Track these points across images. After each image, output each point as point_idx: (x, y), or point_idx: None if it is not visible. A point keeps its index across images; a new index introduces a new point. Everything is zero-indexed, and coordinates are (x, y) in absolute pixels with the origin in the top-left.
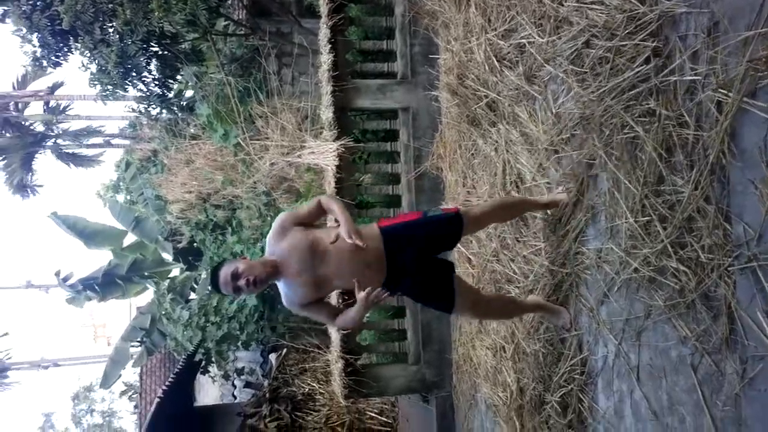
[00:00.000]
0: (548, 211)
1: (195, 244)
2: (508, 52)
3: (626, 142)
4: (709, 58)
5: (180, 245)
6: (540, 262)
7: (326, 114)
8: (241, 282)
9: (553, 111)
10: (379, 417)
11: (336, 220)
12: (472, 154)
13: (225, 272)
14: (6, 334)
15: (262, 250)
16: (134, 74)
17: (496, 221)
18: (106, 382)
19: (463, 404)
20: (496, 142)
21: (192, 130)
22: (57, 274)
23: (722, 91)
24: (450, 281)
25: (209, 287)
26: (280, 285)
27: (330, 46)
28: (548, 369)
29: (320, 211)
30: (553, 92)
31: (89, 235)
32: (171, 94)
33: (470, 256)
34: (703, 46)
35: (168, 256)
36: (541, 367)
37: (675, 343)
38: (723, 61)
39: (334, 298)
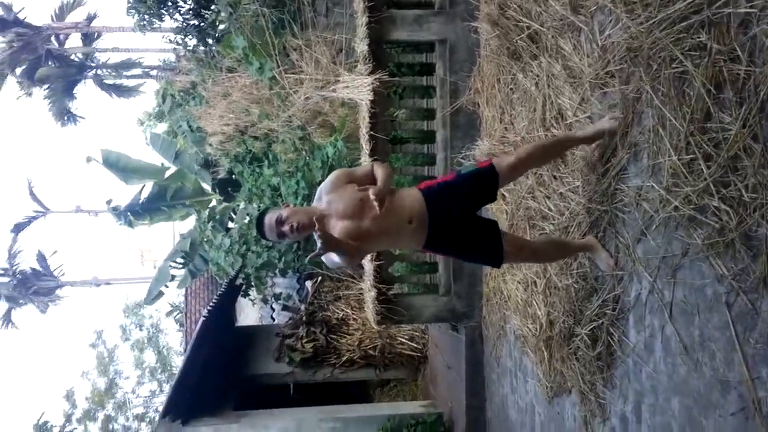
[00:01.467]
0: (592, 145)
1: (233, 176)
2: None
3: (674, 78)
4: None
5: (219, 177)
6: (577, 200)
7: (361, 47)
8: (285, 228)
9: (599, 43)
10: (410, 343)
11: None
12: (511, 88)
13: (270, 218)
14: (55, 252)
15: (297, 183)
16: (170, 3)
17: (534, 166)
18: (150, 297)
19: (492, 334)
20: (537, 76)
21: (228, 63)
22: (108, 202)
23: None
24: (497, 237)
25: (255, 233)
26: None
27: None
28: (579, 303)
29: (372, 176)
30: (600, 23)
31: (131, 171)
32: (205, 24)
33: (505, 193)
34: None
35: (207, 186)
36: (573, 302)
37: (711, 281)
38: None
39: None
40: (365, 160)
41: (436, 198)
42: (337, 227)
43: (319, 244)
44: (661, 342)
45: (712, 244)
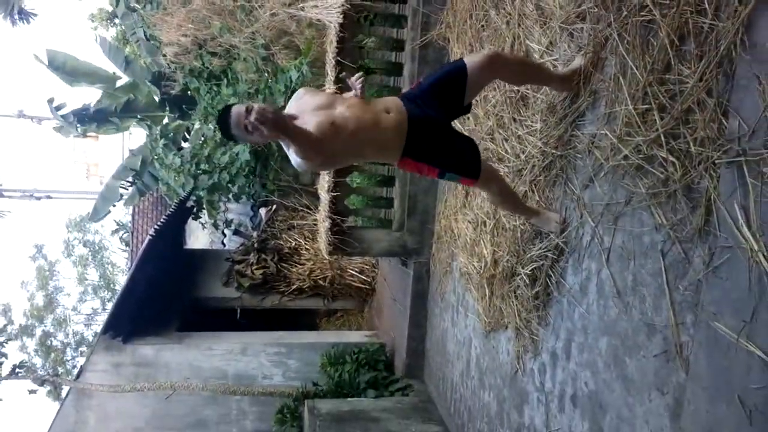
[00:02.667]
0: (559, 91)
1: (189, 92)
2: None
3: (640, 26)
4: None
5: (173, 92)
6: (534, 143)
7: None
8: (252, 117)
9: None
10: (359, 275)
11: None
12: (482, 25)
13: (238, 109)
14: None
15: None
16: None
17: (506, 77)
18: (96, 215)
19: (438, 271)
20: (509, 14)
21: None
22: (50, 101)
23: None
24: (477, 153)
25: (218, 127)
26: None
27: None
28: (524, 245)
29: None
30: None
31: (80, 74)
32: None
33: (465, 133)
34: None
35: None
36: (518, 243)
37: (649, 229)
38: None
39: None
40: (330, 87)
41: (412, 98)
42: (311, 122)
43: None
44: (596, 285)
45: (655, 194)
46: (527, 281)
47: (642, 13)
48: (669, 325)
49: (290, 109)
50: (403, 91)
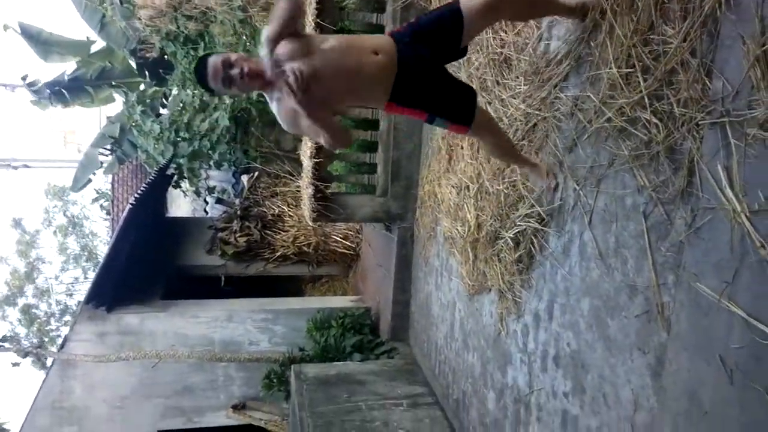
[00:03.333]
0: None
1: (165, 56)
2: None
3: None
4: None
5: (149, 56)
6: (516, 105)
7: None
8: (235, 71)
9: None
10: (344, 241)
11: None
12: None
13: (215, 60)
14: None
15: None
16: None
17: (507, 15)
18: (76, 184)
19: (422, 235)
20: None
21: None
22: (24, 78)
23: None
24: (473, 99)
25: (194, 77)
26: (274, 100)
27: None
28: (507, 209)
29: (290, 13)
30: None
31: (52, 45)
32: None
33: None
34: None
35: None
36: (501, 207)
37: (632, 191)
38: None
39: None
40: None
41: (402, 36)
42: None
43: (293, 84)
44: (578, 247)
45: (637, 155)
46: (511, 244)
47: None
48: (650, 286)
49: (266, 45)
50: (390, 29)
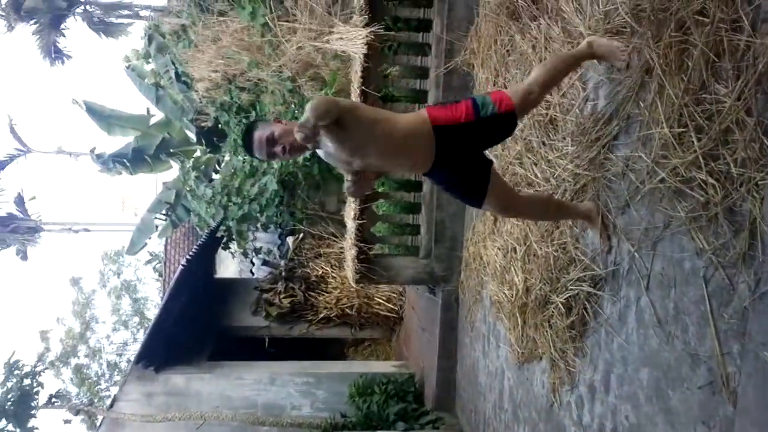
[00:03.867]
0: (586, 114)
1: (219, 125)
2: None
3: (674, 45)
4: None
5: (204, 125)
6: (564, 166)
7: None
8: (278, 149)
9: (601, 7)
10: (387, 304)
11: None
12: (508, 50)
13: (260, 135)
14: (33, 198)
15: None
16: None
17: (552, 85)
18: (132, 248)
19: (468, 299)
20: (535, 38)
21: (220, 6)
22: (92, 150)
23: None
24: (486, 178)
25: (241, 146)
26: (320, 148)
27: None
28: (557, 272)
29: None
30: None
31: (115, 120)
32: None
33: (491, 159)
34: None
35: (193, 136)
36: (551, 270)
37: (690, 255)
38: None
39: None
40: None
41: (447, 138)
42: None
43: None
44: (635, 313)
45: (695, 217)
46: (562, 310)
47: (671, 33)
48: (714, 356)
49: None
50: (456, 109)
